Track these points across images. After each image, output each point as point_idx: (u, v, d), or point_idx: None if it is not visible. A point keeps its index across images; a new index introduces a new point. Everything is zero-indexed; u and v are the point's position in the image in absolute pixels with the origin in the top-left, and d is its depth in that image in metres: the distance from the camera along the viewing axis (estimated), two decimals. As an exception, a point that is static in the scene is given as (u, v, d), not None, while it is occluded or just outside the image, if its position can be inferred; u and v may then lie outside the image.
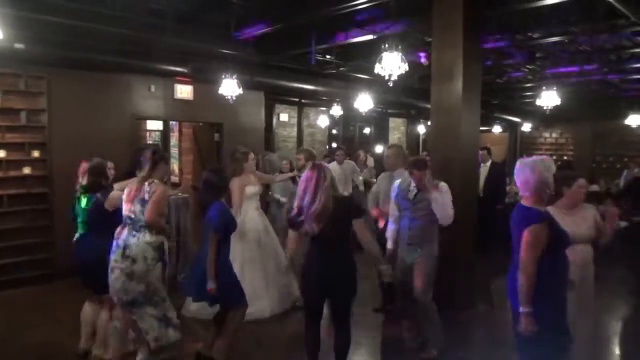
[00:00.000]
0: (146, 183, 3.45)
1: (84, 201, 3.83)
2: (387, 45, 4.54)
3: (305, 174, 3.22)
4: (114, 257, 3.43)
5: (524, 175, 2.70)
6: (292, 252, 3.38)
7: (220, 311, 3.69)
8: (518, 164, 2.77)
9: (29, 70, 5.81)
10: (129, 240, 3.40)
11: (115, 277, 3.41)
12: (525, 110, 13.78)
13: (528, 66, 8.16)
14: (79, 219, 3.86)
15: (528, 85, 9.95)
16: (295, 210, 3.20)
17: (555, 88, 7.54)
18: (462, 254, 4.93)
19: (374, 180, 7.93)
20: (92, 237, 3.78)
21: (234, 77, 6.53)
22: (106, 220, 3.70)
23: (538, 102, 7.68)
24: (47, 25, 5.20)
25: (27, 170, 5.88)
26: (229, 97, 6.62)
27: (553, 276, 2.59)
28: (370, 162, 10.75)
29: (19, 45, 5.27)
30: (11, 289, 5.60)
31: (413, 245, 3.87)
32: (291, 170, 6.55)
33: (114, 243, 3.46)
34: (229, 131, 8.15)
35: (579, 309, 3.09)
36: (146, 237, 3.41)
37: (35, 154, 5.94)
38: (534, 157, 2.77)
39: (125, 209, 3.48)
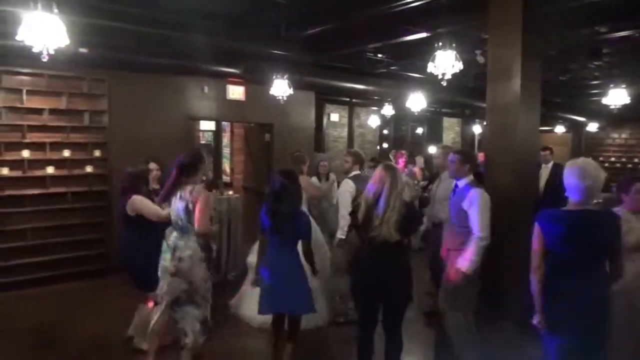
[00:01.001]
0: (187, 190, 3.46)
1: None
2: (440, 44, 4.49)
3: (377, 175, 3.19)
4: (165, 257, 3.53)
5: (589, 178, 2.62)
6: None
7: (277, 317, 3.71)
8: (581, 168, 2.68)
9: (91, 73, 6.18)
10: (177, 242, 3.49)
11: (163, 277, 3.52)
12: (591, 109, 13.16)
13: (594, 63, 7.79)
14: None
15: (594, 82, 9.50)
16: (361, 215, 3.16)
17: (624, 86, 7.16)
18: (513, 263, 4.76)
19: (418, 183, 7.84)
20: (128, 237, 4.00)
21: (284, 77, 6.65)
22: (134, 222, 3.89)
23: (605, 100, 7.33)
24: (108, 30, 5.52)
25: (89, 169, 6.26)
26: (280, 98, 6.75)
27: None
28: (420, 162, 10.63)
29: (82, 50, 5.62)
30: (71, 281, 5.98)
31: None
32: (328, 171, 6.51)
33: (164, 244, 3.56)
34: (279, 131, 8.30)
35: (631, 320, 2.96)
36: (191, 240, 3.47)
37: (97, 153, 6.31)
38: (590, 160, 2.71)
39: (173, 213, 3.55)
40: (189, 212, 3.44)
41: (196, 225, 3.42)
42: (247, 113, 7.97)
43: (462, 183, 3.72)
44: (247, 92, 7.83)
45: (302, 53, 6.87)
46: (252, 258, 4.84)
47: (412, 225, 3.22)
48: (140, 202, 3.93)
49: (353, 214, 3.27)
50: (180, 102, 7.18)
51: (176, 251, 3.47)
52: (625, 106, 7.39)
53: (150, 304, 3.97)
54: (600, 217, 2.66)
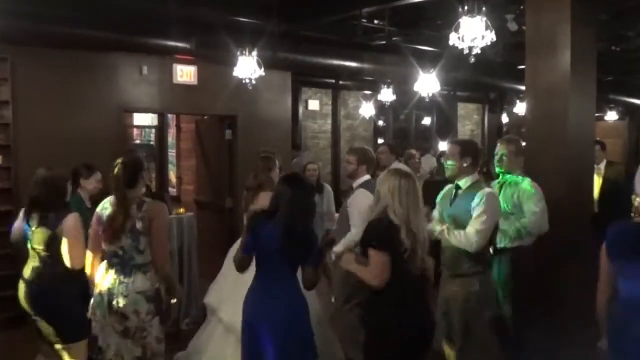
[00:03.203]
0: (134, 205, 3.48)
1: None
2: (466, 7, 4.59)
3: (394, 183, 3.34)
4: (98, 311, 3.54)
5: None
6: None
7: None
8: None
9: (-14, 49, 6.11)
10: (115, 288, 3.48)
11: (107, 334, 3.54)
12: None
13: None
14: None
15: (657, 55, 9.80)
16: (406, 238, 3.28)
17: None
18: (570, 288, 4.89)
19: None
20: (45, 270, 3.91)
21: (252, 53, 6.63)
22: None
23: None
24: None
25: (-17, 183, 6.16)
26: (246, 81, 6.74)
27: None
28: (432, 162, 10.76)
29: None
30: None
31: None
32: (318, 179, 6.54)
33: (96, 292, 3.56)
34: (245, 126, 8.30)
35: None
36: (137, 283, 3.47)
37: (-4, 160, 6.23)
38: None
39: (108, 244, 3.53)
40: (137, 239, 3.45)
41: (155, 258, 3.45)
42: (200, 102, 7.95)
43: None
44: (200, 74, 7.82)
45: (276, 21, 6.89)
46: (213, 298, 4.82)
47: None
48: (74, 230, 3.84)
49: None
50: (110, 88, 7.14)
51: (112, 302, 3.46)
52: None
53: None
54: None
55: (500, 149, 4.71)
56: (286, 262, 3.50)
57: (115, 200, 3.53)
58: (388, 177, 3.41)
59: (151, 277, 3.55)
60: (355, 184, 4.89)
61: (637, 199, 6.96)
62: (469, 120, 15.37)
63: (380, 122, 13.66)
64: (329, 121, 12.45)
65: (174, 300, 3.66)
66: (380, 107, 12.55)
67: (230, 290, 4.49)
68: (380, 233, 3.30)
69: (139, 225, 3.44)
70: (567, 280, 4.81)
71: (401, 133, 13.91)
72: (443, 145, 13.17)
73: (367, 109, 12.38)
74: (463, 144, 4.18)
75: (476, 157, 4.08)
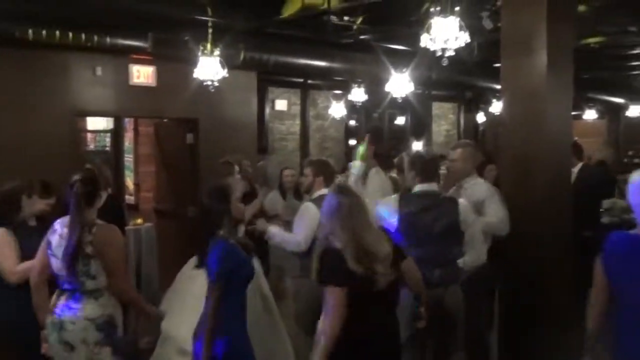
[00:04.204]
0: (85, 228, 3.43)
1: None
2: (438, 7, 4.62)
3: (330, 206, 3.24)
4: (50, 338, 3.48)
5: None
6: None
7: None
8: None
9: None
10: (65, 314, 3.44)
11: None
12: (632, 87, 13.81)
13: (636, 27, 8.20)
14: None
15: (637, 52, 10.00)
16: (353, 258, 3.12)
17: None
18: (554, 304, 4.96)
19: None
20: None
21: (215, 53, 6.62)
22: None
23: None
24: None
25: None
26: (209, 83, 6.72)
27: None
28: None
29: None
30: None
31: None
32: (297, 185, 6.56)
33: (49, 320, 3.50)
34: (207, 129, 8.28)
35: None
36: (87, 310, 3.43)
37: None
38: None
39: (59, 268, 3.48)
40: (88, 264, 3.40)
41: (116, 285, 3.42)
42: (159, 104, 7.92)
43: None
44: (159, 75, 7.79)
45: (240, 17, 6.88)
46: (171, 324, 4.67)
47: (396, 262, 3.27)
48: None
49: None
50: (60, 90, 7.06)
51: (62, 330, 3.42)
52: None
53: None
54: None
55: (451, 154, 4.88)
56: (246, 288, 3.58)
57: (71, 221, 3.46)
58: (325, 200, 3.33)
59: (103, 303, 3.50)
60: (312, 197, 4.84)
61: (618, 202, 7.06)
62: (445, 119, 15.51)
63: (352, 123, 13.69)
64: (298, 122, 12.47)
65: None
66: (352, 107, 12.59)
67: (181, 308, 4.49)
68: (328, 267, 3.20)
69: (89, 249, 3.40)
70: (551, 284, 4.88)
71: (374, 133, 13.95)
72: (418, 145, 13.28)
73: (338, 109, 12.40)
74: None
75: None
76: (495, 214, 4.68)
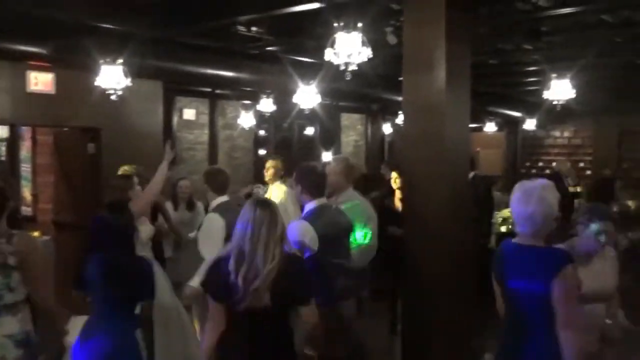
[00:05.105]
0: (3, 239, 3.33)
1: None
2: (341, 22, 4.70)
3: (249, 213, 3.15)
4: None
5: (529, 205, 3.00)
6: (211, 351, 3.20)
7: None
8: (517, 191, 3.07)
9: None
10: None
11: None
12: (528, 102, 14.51)
13: (531, 45, 8.63)
14: None
15: (532, 69, 10.50)
16: (235, 271, 3.06)
17: (568, 76, 8.04)
18: (455, 314, 5.13)
19: None
20: None
21: (118, 61, 6.51)
22: None
23: (546, 94, 8.15)
24: None
25: None
26: (112, 92, 6.60)
27: None
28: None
29: None
30: None
31: None
32: (191, 196, 6.54)
33: None
34: (111, 139, 8.14)
35: None
36: (4, 326, 3.31)
37: None
38: (539, 182, 3.08)
39: None
40: (8, 275, 3.28)
41: (41, 299, 3.35)
42: (59, 112, 7.72)
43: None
44: (59, 82, 7.60)
45: (145, 25, 6.77)
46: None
47: (296, 290, 3.19)
48: None
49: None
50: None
51: None
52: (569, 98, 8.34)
53: None
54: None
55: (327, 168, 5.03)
56: (110, 299, 3.51)
57: None
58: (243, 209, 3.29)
59: (22, 318, 3.39)
60: (210, 207, 4.94)
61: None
62: (353, 130, 15.76)
63: (262, 133, 13.72)
64: (206, 131, 12.38)
65: None
66: (261, 117, 12.64)
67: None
68: (212, 279, 3.23)
69: (11, 260, 3.27)
70: (450, 300, 5.03)
71: (284, 144, 14.03)
72: (327, 156, 13.45)
73: (247, 119, 12.40)
74: None
75: None
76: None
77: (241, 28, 7.53)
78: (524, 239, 3.08)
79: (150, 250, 5.39)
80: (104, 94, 6.70)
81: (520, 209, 3.03)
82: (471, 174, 7.37)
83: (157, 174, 4.91)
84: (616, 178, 9.06)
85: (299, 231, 4.04)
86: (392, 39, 6.96)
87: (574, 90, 8.27)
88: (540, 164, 16.57)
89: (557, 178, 8.69)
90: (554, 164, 12.99)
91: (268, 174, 6.94)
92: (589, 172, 15.16)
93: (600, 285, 3.73)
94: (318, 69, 8.74)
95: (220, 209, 4.80)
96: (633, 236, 8.06)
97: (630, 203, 9.92)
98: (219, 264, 3.18)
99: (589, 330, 3.66)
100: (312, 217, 4.16)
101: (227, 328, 3.14)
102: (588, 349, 3.24)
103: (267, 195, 6.40)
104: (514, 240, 3.16)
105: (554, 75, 8.26)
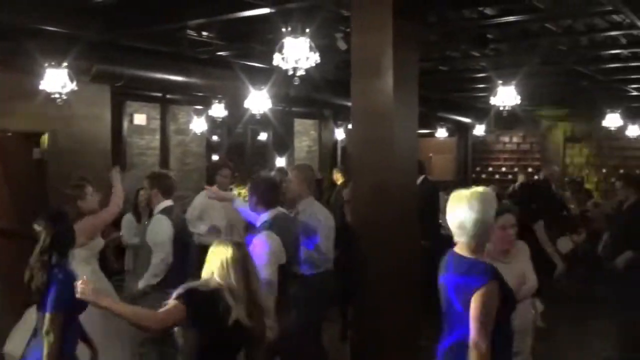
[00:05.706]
0: None
1: None
2: (289, 27, 4.70)
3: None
4: None
5: (460, 213, 2.98)
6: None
7: None
8: (450, 199, 3.07)
9: None
10: None
11: None
12: (477, 108, 14.77)
13: (478, 52, 8.80)
14: None
15: (480, 75, 10.70)
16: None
17: (514, 82, 8.23)
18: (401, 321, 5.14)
19: None
20: None
21: (63, 64, 6.43)
22: None
23: (493, 100, 8.32)
24: None
25: None
26: (57, 96, 6.50)
27: (501, 353, 2.90)
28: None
29: None
30: None
31: None
32: (137, 205, 6.46)
33: None
34: (57, 144, 7.99)
35: None
36: None
37: None
38: (474, 189, 3.06)
39: None
40: None
41: None
42: (1, 116, 7.47)
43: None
44: (1, 85, 7.35)
45: (92, 28, 6.69)
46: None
47: None
48: None
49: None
50: None
51: None
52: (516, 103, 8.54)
53: None
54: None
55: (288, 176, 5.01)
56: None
57: None
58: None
59: None
60: (155, 211, 4.90)
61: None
62: (307, 135, 15.74)
63: (214, 138, 13.60)
64: (158, 137, 12.19)
65: None
66: (214, 123, 12.53)
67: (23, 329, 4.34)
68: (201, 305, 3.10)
69: None
70: (400, 308, 5.05)
71: (237, 149, 13.93)
72: (281, 162, 13.41)
73: (199, 124, 12.31)
74: None
75: None
76: None
77: (191, 32, 7.51)
78: (457, 246, 3.05)
79: (97, 263, 5.25)
80: (49, 97, 6.60)
81: (450, 216, 3.01)
82: (420, 178, 7.46)
83: (111, 205, 5.11)
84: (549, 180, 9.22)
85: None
86: (342, 45, 6.99)
87: (519, 97, 8.44)
88: (490, 169, 16.92)
89: (546, 184, 8.82)
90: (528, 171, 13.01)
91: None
92: (537, 177, 15.49)
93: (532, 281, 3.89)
94: (269, 74, 8.75)
95: (166, 212, 4.81)
96: (578, 239, 8.32)
97: (574, 207, 10.19)
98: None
99: (525, 332, 3.76)
100: (267, 227, 4.19)
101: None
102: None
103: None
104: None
105: (500, 81, 8.43)
